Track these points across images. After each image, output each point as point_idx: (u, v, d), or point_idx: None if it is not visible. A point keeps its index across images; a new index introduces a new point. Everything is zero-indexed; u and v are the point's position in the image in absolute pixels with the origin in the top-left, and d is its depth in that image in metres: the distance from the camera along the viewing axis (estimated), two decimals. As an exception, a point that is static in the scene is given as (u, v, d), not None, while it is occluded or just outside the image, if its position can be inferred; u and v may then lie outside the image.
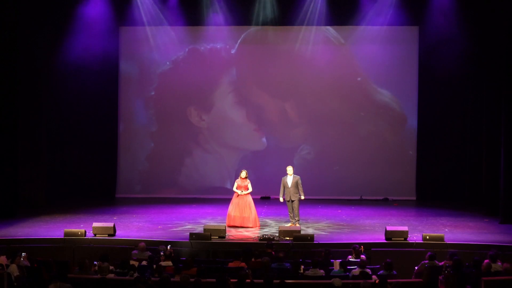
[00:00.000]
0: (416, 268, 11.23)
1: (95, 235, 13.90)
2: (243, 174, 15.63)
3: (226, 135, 20.92)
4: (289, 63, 20.69)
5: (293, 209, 15.27)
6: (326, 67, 20.56)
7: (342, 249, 12.82)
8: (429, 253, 11.30)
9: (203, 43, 20.74)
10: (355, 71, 20.52)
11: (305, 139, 20.77)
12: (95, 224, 14.08)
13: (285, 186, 15.33)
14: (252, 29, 20.53)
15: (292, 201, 15.24)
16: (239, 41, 20.72)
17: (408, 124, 20.55)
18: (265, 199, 20.15)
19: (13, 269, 10.45)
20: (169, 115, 20.95)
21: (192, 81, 20.79)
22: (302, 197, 15.31)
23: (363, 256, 11.73)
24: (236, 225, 15.34)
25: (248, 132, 20.87)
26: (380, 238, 13.87)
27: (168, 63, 20.78)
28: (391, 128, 20.62)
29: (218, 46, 20.68)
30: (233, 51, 20.79)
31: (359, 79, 20.46)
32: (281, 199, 15.50)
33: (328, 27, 20.37)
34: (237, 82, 20.86)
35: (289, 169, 15.38)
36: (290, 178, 15.31)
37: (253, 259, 11.42)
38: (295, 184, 15.25)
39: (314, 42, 20.47)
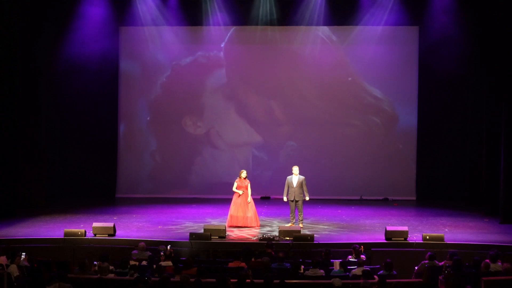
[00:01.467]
0: (416, 268, 11.23)
1: (95, 235, 13.91)
2: (243, 174, 15.62)
3: (226, 134, 20.90)
4: (290, 63, 20.68)
5: (297, 209, 15.24)
6: (326, 67, 20.54)
7: (342, 249, 12.83)
8: (429, 253, 11.31)
9: (203, 43, 20.72)
10: (355, 71, 20.51)
11: (305, 139, 20.75)
12: (95, 224, 14.08)
13: (289, 186, 15.30)
14: (252, 29, 20.50)
15: (296, 201, 15.21)
16: (238, 41, 20.72)
17: (408, 124, 20.54)
18: (265, 199, 20.16)
19: (13, 269, 10.45)
20: (170, 115, 20.94)
21: (192, 81, 20.79)
22: (307, 198, 15.29)
23: (363, 256, 11.74)
24: (239, 225, 15.33)
25: (249, 133, 20.86)
26: (380, 238, 13.87)
27: (168, 62, 20.77)
28: (391, 128, 20.61)
29: (218, 46, 20.66)
30: (232, 51, 20.77)
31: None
32: (285, 199, 15.44)
33: (328, 27, 20.36)
34: (237, 82, 20.85)
35: (295, 169, 15.34)
36: (295, 178, 15.28)
37: (253, 259, 11.42)
38: (300, 185, 15.22)
39: (313, 42, 20.47)
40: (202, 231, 14.09)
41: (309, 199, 15.39)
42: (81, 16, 19.62)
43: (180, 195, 20.62)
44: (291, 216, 15.37)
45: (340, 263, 11.15)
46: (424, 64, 20.08)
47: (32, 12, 18.14)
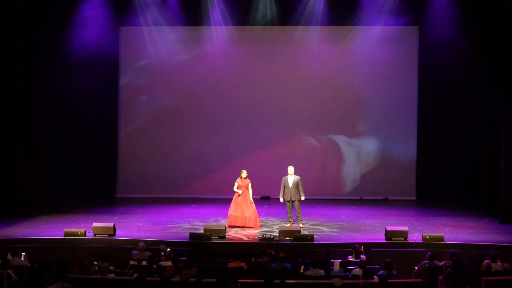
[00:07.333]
0: (416, 268, 11.23)
1: (95, 235, 13.91)
2: (244, 174, 15.62)
3: (225, 134, 20.90)
4: (289, 63, 20.69)
5: (294, 210, 15.24)
6: (326, 67, 20.55)
7: (342, 249, 12.83)
8: (429, 253, 11.31)
9: (203, 43, 20.73)
10: (355, 71, 20.52)
11: (305, 139, 20.76)
12: (95, 224, 14.08)
13: (285, 186, 15.31)
14: (252, 29, 20.51)
15: (293, 201, 15.21)
16: (238, 41, 20.74)
17: (408, 124, 20.54)
18: (265, 199, 20.16)
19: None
20: (170, 114, 20.95)
21: (192, 81, 20.80)
22: (303, 198, 15.29)
23: (363, 256, 11.74)
24: (238, 225, 15.34)
25: (248, 132, 20.85)
26: (380, 238, 13.87)
27: (168, 62, 20.77)
28: (391, 128, 20.60)
29: (218, 46, 20.65)
30: (232, 51, 20.79)
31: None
32: (281, 199, 15.46)
33: (327, 27, 20.34)
34: (237, 82, 20.85)
35: (290, 169, 15.35)
36: (291, 178, 15.28)
37: (253, 259, 11.42)
38: (296, 184, 15.22)
39: (313, 42, 20.47)
40: (202, 231, 14.09)
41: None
42: (82, 16, 19.63)
43: (180, 195, 20.62)
44: (289, 216, 15.37)
45: (340, 263, 11.15)
46: (424, 64, 20.09)
47: (32, 13, 18.11)
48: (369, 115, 20.58)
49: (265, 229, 15.23)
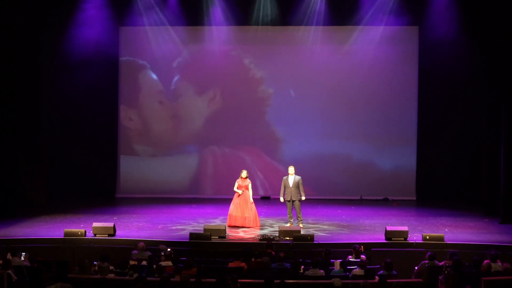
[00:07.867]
0: (416, 268, 11.24)
1: (95, 235, 13.91)
2: (244, 174, 15.63)
3: (226, 134, 20.89)
4: (289, 63, 20.69)
5: (294, 210, 15.24)
6: (326, 67, 20.55)
7: (342, 249, 12.83)
8: (429, 253, 11.31)
9: (203, 43, 20.73)
10: (355, 71, 20.51)
11: (305, 138, 20.75)
12: (95, 224, 14.08)
13: (286, 186, 15.31)
14: (253, 29, 20.51)
15: (293, 201, 15.21)
16: (239, 41, 20.74)
17: (408, 124, 20.54)
18: (265, 199, 20.16)
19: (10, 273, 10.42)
20: (170, 114, 20.95)
21: (192, 81, 20.81)
22: (303, 198, 15.29)
23: (363, 256, 11.74)
24: (237, 225, 15.35)
25: (249, 132, 20.85)
26: (380, 238, 13.87)
27: (168, 62, 20.77)
28: (391, 128, 20.60)
29: (218, 46, 20.65)
30: (233, 51, 20.79)
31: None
32: (282, 199, 15.47)
33: (328, 27, 20.34)
34: (237, 81, 20.85)
35: (291, 169, 15.36)
36: (291, 178, 15.29)
37: (253, 259, 11.42)
38: (296, 184, 15.22)
39: (314, 42, 20.47)
40: (202, 231, 14.09)
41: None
42: (81, 16, 19.63)
43: (180, 195, 20.63)
44: (289, 216, 15.37)
45: (340, 263, 11.16)
46: (424, 64, 20.09)
47: (32, 13, 18.09)
48: (369, 115, 20.55)
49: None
